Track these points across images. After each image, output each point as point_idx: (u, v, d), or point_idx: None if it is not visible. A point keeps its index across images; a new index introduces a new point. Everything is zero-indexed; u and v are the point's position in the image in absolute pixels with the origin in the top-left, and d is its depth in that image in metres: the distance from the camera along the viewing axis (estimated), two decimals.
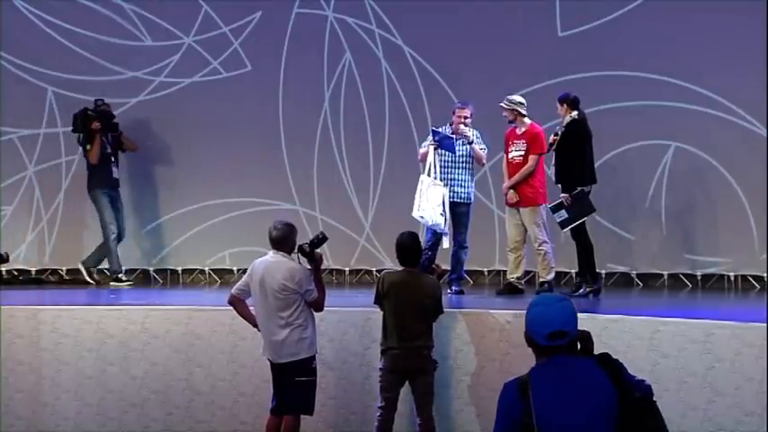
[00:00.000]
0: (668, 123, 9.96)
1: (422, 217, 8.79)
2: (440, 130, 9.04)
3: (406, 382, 7.15)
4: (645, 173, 10.06)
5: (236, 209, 10.81)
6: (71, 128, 10.39)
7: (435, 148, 8.91)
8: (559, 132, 8.53)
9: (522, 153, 8.82)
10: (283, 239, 6.97)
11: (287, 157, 10.81)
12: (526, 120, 8.86)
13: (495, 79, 10.10)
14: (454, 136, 8.98)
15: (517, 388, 3.46)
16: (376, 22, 10.69)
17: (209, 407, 8.03)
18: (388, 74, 10.67)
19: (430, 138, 9.05)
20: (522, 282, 9.00)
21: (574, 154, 8.40)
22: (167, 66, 10.94)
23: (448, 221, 8.80)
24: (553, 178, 8.70)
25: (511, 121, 8.90)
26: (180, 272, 11.04)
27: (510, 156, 8.92)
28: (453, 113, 9.04)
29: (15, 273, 10.90)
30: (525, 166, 8.78)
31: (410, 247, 7.20)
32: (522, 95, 9.04)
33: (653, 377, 6.72)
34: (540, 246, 8.77)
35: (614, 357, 3.50)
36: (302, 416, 7.04)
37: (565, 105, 8.50)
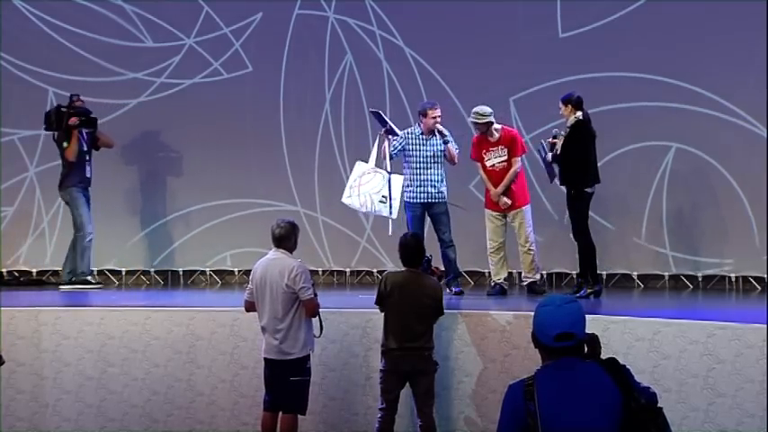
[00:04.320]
0: (669, 124, 9.96)
1: (351, 203, 8.85)
2: (379, 111, 9.04)
3: (407, 384, 7.15)
4: (646, 174, 10.06)
5: (238, 210, 10.81)
6: (43, 126, 10.13)
7: (386, 135, 8.88)
8: (562, 134, 8.54)
9: (505, 159, 8.88)
10: (286, 237, 7.01)
11: (288, 158, 10.81)
12: (497, 126, 8.92)
13: (497, 80, 10.11)
14: (423, 135, 8.95)
15: (522, 390, 3.45)
16: (377, 24, 10.70)
17: (210, 408, 8.04)
18: (389, 75, 10.68)
19: (399, 137, 8.95)
20: (506, 283, 9.08)
21: (579, 155, 8.40)
22: (168, 67, 10.94)
23: (395, 209, 8.77)
24: (553, 179, 8.73)
25: (483, 132, 8.93)
26: (181, 273, 11.04)
27: (489, 163, 8.95)
28: (424, 115, 8.94)
29: (16, 274, 10.90)
30: (513, 169, 8.86)
31: (413, 248, 7.21)
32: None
33: (654, 378, 6.74)
34: (530, 246, 8.85)
35: (621, 363, 3.49)
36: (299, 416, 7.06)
37: (569, 106, 8.50)
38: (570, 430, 3.37)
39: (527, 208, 8.95)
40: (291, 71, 10.80)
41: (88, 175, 10.07)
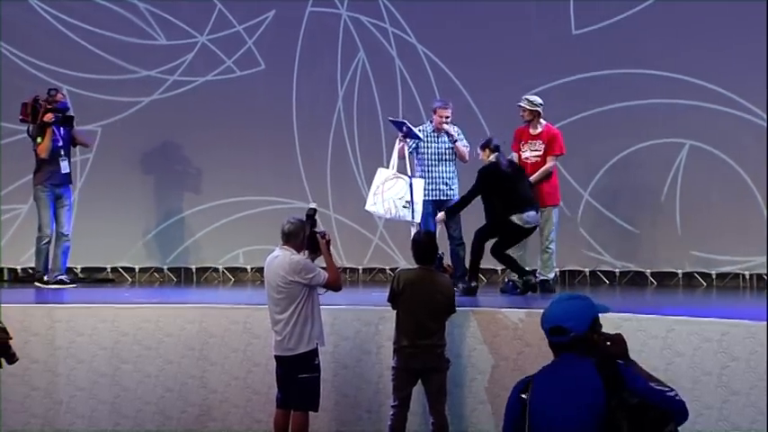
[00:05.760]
0: (683, 121, 9.94)
1: (376, 211, 8.83)
2: (401, 120, 9.05)
3: (420, 381, 7.15)
4: (659, 171, 10.03)
5: (250, 207, 10.82)
6: (19, 117, 9.73)
7: (403, 138, 8.86)
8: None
9: (539, 153, 8.87)
10: (294, 234, 6.99)
11: (300, 156, 10.82)
12: (542, 120, 8.89)
13: (509, 77, 10.10)
14: (434, 132, 8.95)
15: (521, 386, 3.57)
16: (389, 21, 10.70)
17: (223, 405, 8.05)
18: (402, 72, 10.67)
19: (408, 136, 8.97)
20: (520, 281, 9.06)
21: (492, 196, 8.36)
22: (181, 64, 10.96)
23: (417, 213, 8.70)
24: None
25: (528, 121, 8.91)
26: (194, 270, 11.07)
27: (524, 155, 8.94)
28: (434, 112, 8.99)
29: (30, 271, 10.93)
30: (545, 167, 8.84)
31: (426, 245, 7.21)
32: (536, 94, 9.04)
33: (667, 376, 6.71)
34: (550, 244, 8.84)
35: (619, 363, 3.49)
36: (311, 413, 7.07)
37: (487, 150, 8.50)
38: (552, 426, 3.44)
39: (555, 209, 8.93)
40: (304, 69, 10.80)
41: (63, 172, 9.71)
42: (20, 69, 10.98)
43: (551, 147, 8.84)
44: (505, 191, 8.36)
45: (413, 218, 8.68)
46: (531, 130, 8.92)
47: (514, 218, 8.33)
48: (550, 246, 8.87)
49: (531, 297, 8.57)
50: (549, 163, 8.85)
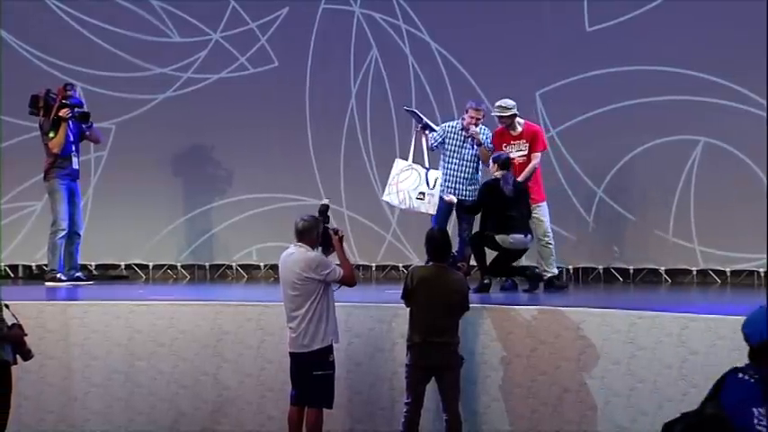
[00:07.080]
0: (697, 119, 9.90)
1: (391, 201, 8.86)
2: (415, 110, 9.13)
3: (433, 378, 7.15)
4: (673, 168, 10.00)
5: (263, 204, 10.84)
6: (29, 109, 9.61)
7: (422, 130, 8.93)
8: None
9: (525, 153, 8.89)
10: (308, 231, 7.02)
11: (314, 153, 10.83)
12: (520, 120, 8.90)
13: (523, 75, 10.09)
14: (462, 131, 8.99)
15: None
16: (403, 18, 10.69)
17: (236, 401, 8.07)
18: (415, 70, 10.67)
19: (439, 128, 9.08)
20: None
21: (487, 210, 8.45)
22: (195, 62, 10.99)
23: (435, 206, 8.77)
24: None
25: (507, 126, 8.91)
26: (207, 267, 11.09)
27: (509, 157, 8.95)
28: (466, 111, 9.04)
29: (45, 268, 10.97)
30: (531, 165, 8.87)
31: (440, 242, 7.21)
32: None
33: (681, 373, 6.72)
34: (548, 240, 8.82)
35: (732, 374, 3.44)
36: (325, 410, 7.08)
37: (496, 165, 8.55)
38: None
39: (543, 204, 8.93)
40: (317, 66, 10.82)
41: (75, 167, 9.70)
42: (34, 66, 11.02)
43: (535, 144, 8.88)
44: (499, 211, 8.42)
45: (425, 209, 8.74)
46: (512, 132, 8.93)
47: (499, 238, 8.39)
48: (550, 242, 8.85)
49: (540, 295, 8.56)
50: (535, 160, 8.88)
